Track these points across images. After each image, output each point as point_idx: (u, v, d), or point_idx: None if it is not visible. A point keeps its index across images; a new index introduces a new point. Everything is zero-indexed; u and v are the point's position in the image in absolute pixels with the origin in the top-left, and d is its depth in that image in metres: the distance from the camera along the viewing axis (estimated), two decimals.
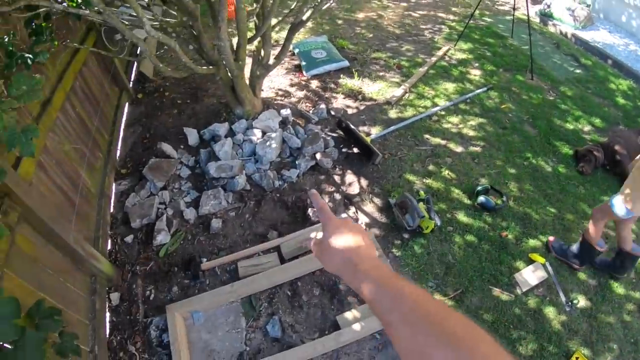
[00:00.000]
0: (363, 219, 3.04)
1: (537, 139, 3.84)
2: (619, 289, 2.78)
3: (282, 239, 2.90)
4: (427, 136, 3.72)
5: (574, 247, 2.84)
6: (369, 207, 3.11)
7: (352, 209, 3.10)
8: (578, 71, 4.94)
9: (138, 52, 4.78)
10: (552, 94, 4.46)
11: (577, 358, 2.43)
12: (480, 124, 3.91)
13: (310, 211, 3.03)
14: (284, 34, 4.96)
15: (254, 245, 2.93)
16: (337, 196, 3.17)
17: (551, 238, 2.99)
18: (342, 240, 0.71)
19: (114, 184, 3.40)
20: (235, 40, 3.27)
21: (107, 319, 2.72)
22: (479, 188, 3.21)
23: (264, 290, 2.77)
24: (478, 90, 4.29)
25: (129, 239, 3.07)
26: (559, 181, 3.47)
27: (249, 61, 3.78)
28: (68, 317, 2.21)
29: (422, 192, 3.11)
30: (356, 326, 2.52)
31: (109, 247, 3.01)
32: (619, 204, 2.44)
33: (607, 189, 3.44)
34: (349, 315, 2.65)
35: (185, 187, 3.33)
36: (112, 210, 3.23)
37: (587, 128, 4.07)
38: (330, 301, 2.72)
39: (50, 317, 1.66)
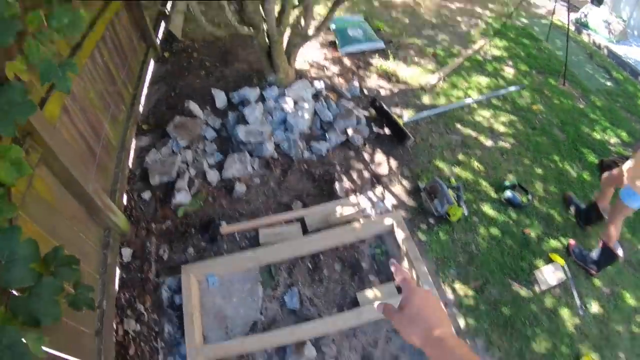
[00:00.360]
0: (390, 200, 2.98)
1: (565, 144, 3.78)
2: (630, 300, 2.77)
3: (307, 210, 2.84)
4: (458, 126, 3.66)
5: (594, 254, 2.83)
6: (397, 189, 3.05)
7: (380, 189, 3.04)
8: (609, 84, 4.88)
9: (167, 11, 4.68)
10: (582, 102, 4.40)
11: None
12: (510, 121, 3.85)
13: (337, 185, 2.97)
14: (317, 8, 4.90)
15: (277, 214, 2.87)
16: (366, 174, 3.11)
17: (572, 241, 2.98)
18: (428, 314, 0.74)
19: (134, 139, 3.33)
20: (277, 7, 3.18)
21: (117, 275, 2.67)
22: (507, 183, 3.17)
23: (285, 260, 2.72)
24: (511, 88, 4.22)
25: (146, 195, 3.01)
26: (583, 187, 3.42)
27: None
28: (81, 271, 2.19)
29: (453, 180, 3.06)
30: None
31: (124, 202, 2.95)
32: (633, 197, 2.49)
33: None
34: (370, 293, 2.60)
35: (209, 148, 3.25)
36: (130, 165, 3.17)
37: (613, 140, 4.02)
38: (351, 278, 2.67)
39: (68, 266, 1.58)
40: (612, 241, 2.72)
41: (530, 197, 3.13)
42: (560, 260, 2.85)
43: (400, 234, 2.69)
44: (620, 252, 2.78)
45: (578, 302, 2.69)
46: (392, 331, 2.56)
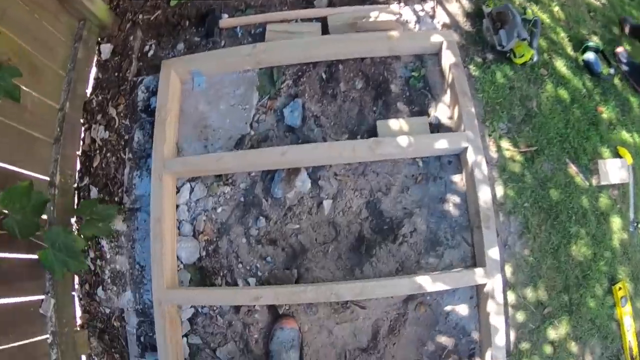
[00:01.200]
0: (442, 18, 2.23)
1: None
2: None
3: (333, 9, 2.13)
4: None
5: None
6: (454, 6, 2.27)
7: (431, 3, 2.28)
8: None
9: None
10: None
11: (620, 288, 1.97)
12: None
13: None
14: None
15: (295, 9, 2.18)
16: None
17: (620, 48, 2.48)
18: None
19: None
20: None
21: (92, 75, 2.30)
22: (590, 44, 2.42)
23: (293, 64, 2.07)
24: None
25: None
26: None
27: None
28: (37, 64, 1.88)
29: (529, 11, 2.30)
30: (402, 140, 1.83)
31: None
32: None
33: None
34: (395, 124, 1.96)
35: None
36: None
37: None
38: (374, 101, 2.03)
39: None
40: None
41: (612, 71, 2.40)
42: (629, 158, 2.20)
43: (448, 58, 1.98)
44: None
45: (632, 215, 2.12)
46: (411, 178, 1.97)
